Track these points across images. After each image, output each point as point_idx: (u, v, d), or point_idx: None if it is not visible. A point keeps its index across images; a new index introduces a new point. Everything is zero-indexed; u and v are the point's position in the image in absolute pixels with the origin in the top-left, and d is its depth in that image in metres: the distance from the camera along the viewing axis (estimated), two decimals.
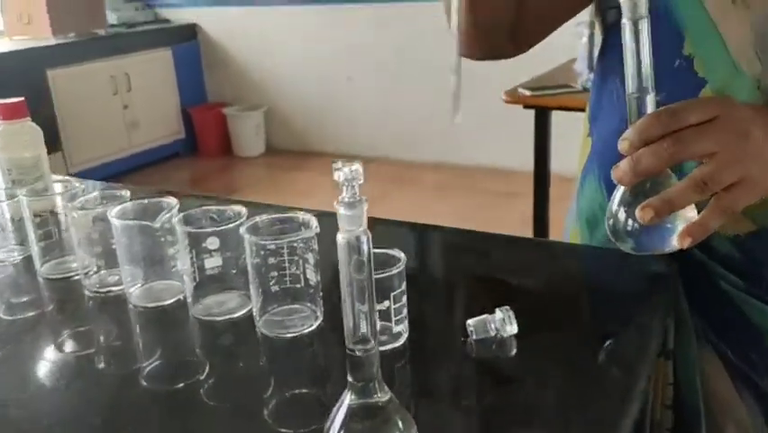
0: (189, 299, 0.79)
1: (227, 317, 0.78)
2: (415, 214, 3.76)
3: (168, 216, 0.78)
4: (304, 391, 0.68)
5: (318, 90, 4.88)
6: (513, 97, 2.54)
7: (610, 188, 0.71)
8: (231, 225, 0.75)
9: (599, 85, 0.88)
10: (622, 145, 0.60)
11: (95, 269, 0.87)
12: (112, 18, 4.93)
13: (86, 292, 0.86)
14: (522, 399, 0.63)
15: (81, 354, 0.77)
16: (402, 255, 0.68)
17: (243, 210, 0.77)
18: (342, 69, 4.74)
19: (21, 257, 0.98)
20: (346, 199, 0.45)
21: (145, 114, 4.86)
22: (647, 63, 0.60)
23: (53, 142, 4.20)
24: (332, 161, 0.42)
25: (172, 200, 0.82)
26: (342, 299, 0.49)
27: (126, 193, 0.86)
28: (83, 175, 4.36)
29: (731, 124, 0.58)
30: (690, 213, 0.61)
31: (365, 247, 0.46)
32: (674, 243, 0.61)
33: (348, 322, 0.49)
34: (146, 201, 0.83)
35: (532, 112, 2.53)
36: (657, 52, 0.67)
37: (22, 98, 1.10)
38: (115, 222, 0.79)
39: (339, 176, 0.45)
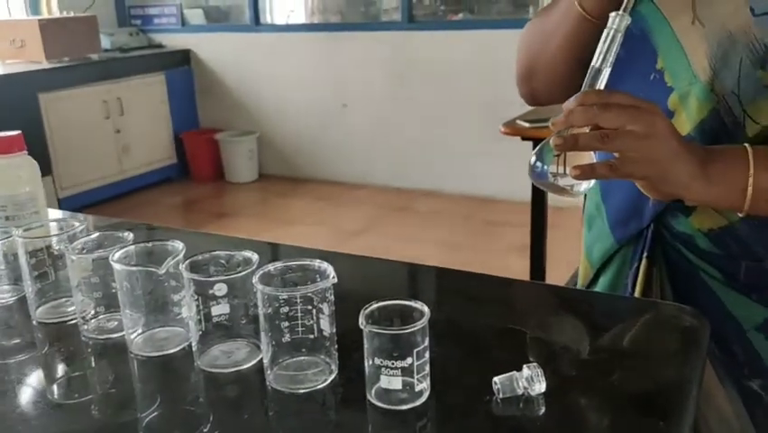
0: (195, 348, 0.75)
1: (235, 369, 0.74)
2: (406, 241, 3.76)
3: (174, 261, 0.74)
4: None
5: (312, 117, 4.86)
6: (511, 129, 2.52)
7: (604, 186, 0.97)
8: (241, 273, 0.72)
9: None
10: (565, 103, 0.72)
11: (93, 313, 0.83)
12: (105, 43, 4.91)
13: (84, 338, 0.82)
14: None
15: (77, 402, 0.73)
16: (426, 309, 0.64)
17: (255, 257, 0.74)
18: (337, 96, 4.73)
19: (14, 298, 0.93)
20: None
21: (137, 138, 4.81)
22: (614, 53, 0.73)
23: (43, 166, 4.10)
24: None
25: (178, 244, 0.78)
26: None
27: (129, 235, 0.82)
28: (73, 200, 4.31)
29: (645, 113, 0.70)
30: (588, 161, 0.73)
31: None
32: (571, 179, 0.73)
33: None
34: (150, 244, 0.79)
35: (528, 143, 2.51)
36: (637, 68, 0.86)
37: (19, 131, 1.06)
38: (117, 267, 0.75)
39: None
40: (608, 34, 0.73)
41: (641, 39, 0.85)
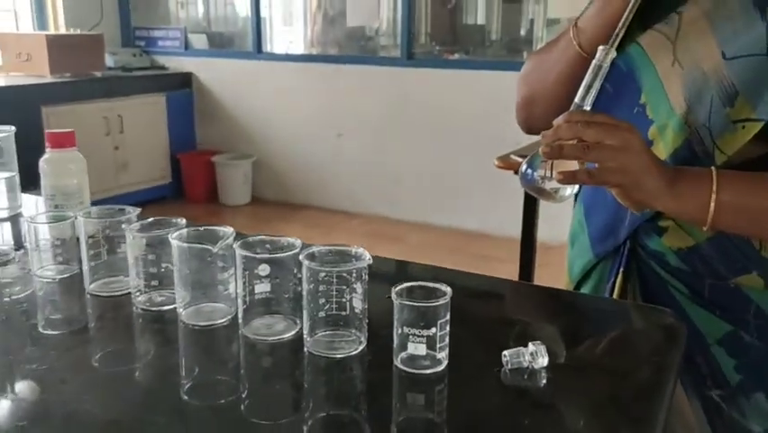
0: (240, 320, 0.85)
1: (277, 337, 0.84)
2: None
3: (228, 242, 0.85)
4: (344, 412, 0.74)
5: (307, 144, 4.99)
6: (505, 163, 2.64)
7: (587, 207, 1.08)
8: (288, 253, 0.82)
9: None
10: (555, 120, 0.84)
11: (145, 287, 0.93)
12: (109, 61, 5.02)
13: (136, 309, 0.92)
14: (549, 425, 0.70)
15: (129, 368, 0.82)
16: (448, 289, 0.76)
17: (298, 242, 0.84)
18: (333, 125, 4.87)
19: (66, 275, 1.03)
20: None
21: (135, 156, 4.91)
22: (596, 89, 0.85)
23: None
24: None
25: (229, 229, 0.89)
26: None
27: (182, 221, 0.93)
28: None
29: (627, 135, 0.81)
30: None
31: None
32: (555, 183, 0.85)
33: None
34: (202, 228, 0.90)
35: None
36: (623, 102, 0.97)
37: (72, 130, 1.17)
38: (175, 244, 0.85)
39: None
40: (594, 65, 0.84)
41: (628, 76, 0.97)
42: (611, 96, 0.98)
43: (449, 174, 4.50)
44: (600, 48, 0.85)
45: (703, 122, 0.89)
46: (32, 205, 1.35)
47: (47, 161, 1.14)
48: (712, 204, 0.83)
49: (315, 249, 0.81)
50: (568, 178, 0.82)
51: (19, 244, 1.19)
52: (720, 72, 0.87)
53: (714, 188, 0.83)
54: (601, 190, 0.98)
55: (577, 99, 0.85)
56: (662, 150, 0.92)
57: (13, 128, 1.31)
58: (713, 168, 0.85)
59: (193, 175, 5.16)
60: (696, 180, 0.84)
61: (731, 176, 0.85)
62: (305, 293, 0.80)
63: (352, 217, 4.81)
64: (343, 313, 0.81)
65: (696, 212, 0.85)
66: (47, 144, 1.14)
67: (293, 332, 0.85)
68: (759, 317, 0.93)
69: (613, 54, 0.84)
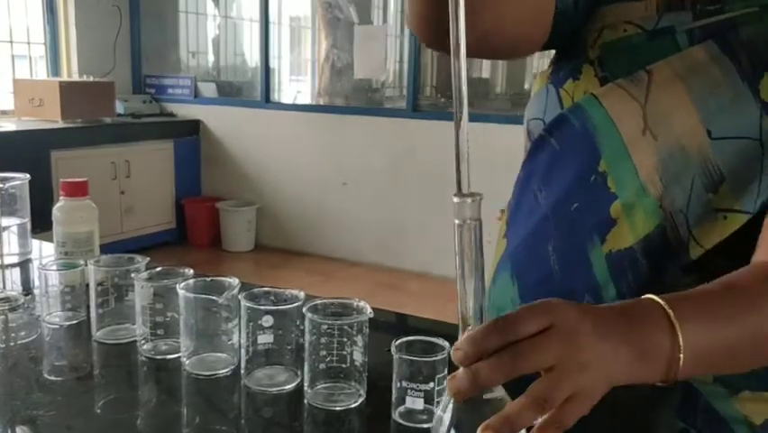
0: (243, 371, 0.87)
1: (278, 388, 0.86)
2: None
3: (233, 293, 0.87)
4: None
5: (312, 193, 5.05)
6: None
7: (521, 281, 0.88)
8: (291, 305, 0.85)
9: (520, 188, 0.93)
10: (456, 355, 0.54)
11: (151, 335, 0.95)
12: (119, 108, 5.11)
13: (141, 357, 0.94)
14: None
15: (134, 415, 0.84)
16: (447, 344, 0.78)
17: (302, 294, 0.87)
18: (338, 174, 4.93)
19: (74, 322, 1.05)
20: None
21: (140, 201, 4.96)
22: (476, 247, 0.60)
23: (48, 221, 4.24)
24: None
25: (234, 280, 0.91)
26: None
27: (190, 271, 0.96)
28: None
29: (564, 333, 0.55)
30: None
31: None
32: None
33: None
34: (209, 279, 0.92)
35: None
36: (573, 164, 0.82)
37: (86, 179, 1.20)
38: (182, 294, 0.88)
39: None
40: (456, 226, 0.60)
41: (583, 135, 0.82)
42: (557, 155, 0.86)
43: (450, 225, 4.52)
44: (454, 200, 0.60)
45: (680, 207, 0.75)
46: (40, 250, 1.38)
47: (60, 209, 1.18)
48: (681, 355, 0.58)
49: (318, 301, 0.84)
50: None
51: (28, 289, 1.22)
52: (705, 152, 0.74)
53: (680, 340, 0.58)
54: (535, 254, 0.85)
55: (459, 267, 0.58)
56: (629, 233, 0.78)
57: (28, 176, 1.34)
58: (658, 299, 0.60)
59: (197, 221, 5.21)
60: (651, 328, 0.59)
61: (688, 309, 0.61)
62: (306, 345, 0.82)
63: (354, 266, 4.84)
64: (344, 365, 0.83)
65: (664, 366, 0.59)
66: (61, 193, 1.18)
67: (294, 383, 0.87)
68: None
69: (471, 206, 0.61)
